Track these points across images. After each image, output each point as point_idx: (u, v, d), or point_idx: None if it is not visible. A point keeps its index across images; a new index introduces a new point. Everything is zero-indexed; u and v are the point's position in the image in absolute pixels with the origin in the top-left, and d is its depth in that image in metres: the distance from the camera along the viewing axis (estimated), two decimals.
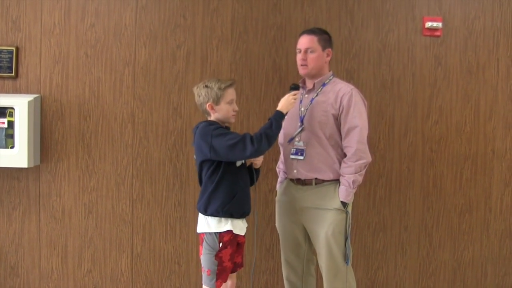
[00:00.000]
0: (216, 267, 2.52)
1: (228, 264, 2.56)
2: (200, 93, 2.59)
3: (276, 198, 2.90)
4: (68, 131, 3.25)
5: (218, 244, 2.52)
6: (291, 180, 2.78)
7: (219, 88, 2.54)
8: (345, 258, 2.65)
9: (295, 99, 2.62)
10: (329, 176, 2.66)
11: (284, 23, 3.30)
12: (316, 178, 2.68)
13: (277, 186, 2.96)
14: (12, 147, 3.07)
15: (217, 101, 2.56)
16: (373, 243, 3.40)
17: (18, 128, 3.06)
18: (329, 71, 2.79)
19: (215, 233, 2.52)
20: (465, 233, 3.43)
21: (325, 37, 2.73)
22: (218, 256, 2.52)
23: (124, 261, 3.31)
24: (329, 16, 3.31)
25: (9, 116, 3.07)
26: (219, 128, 2.52)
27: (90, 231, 3.29)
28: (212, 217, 2.54)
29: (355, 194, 2.80)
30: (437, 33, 3.34)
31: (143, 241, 3.31)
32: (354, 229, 3.36)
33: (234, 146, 2.43)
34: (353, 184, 2.60)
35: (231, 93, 2.58)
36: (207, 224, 2.55)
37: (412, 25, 3.34)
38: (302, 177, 2.71)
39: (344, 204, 2.63)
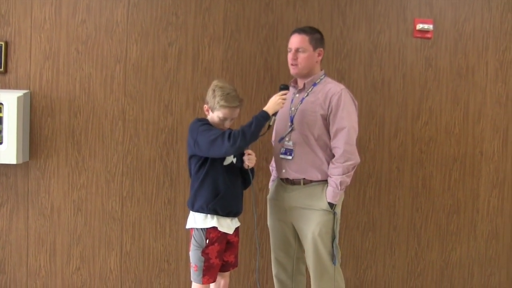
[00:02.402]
0: (203, 264, 2.54)
1: (215, 261, 2.57)
2: (208, 91, 2.61)
3: (268, 197, 2.90)
4: (58, 127, 3.22)
5: (205, 241, 2.54)
6: (281, 179, 2.78)
7: (218, 103, 2.54)
8: (332, 259, 2.65)
9: (283, 99, 2.61)
10: (317, 176, 2.66)
11: (276, 23, 3.31)
12: (304, 178, 2.68)
13: (270, 184, 2.97)
14: (0, 143, 3.04)
15: (212, 109, 2.59)
16: (362, 243, 3.42)
17: (6, 124, 3.03)
18: (321, 70, 2.78)
19: (201, 229, 2.55)
20: (453, 234, 3.47)
21: (316, 37, 2.71)
22: (204, 252, 2.54)
23: (113, 259, 3.29)
24: (321, 16, 3.32)
25: None
26: (205, 125, 2.54)
27: (79, 228, 3.26)
28: (198, 213, 2.57)
29: (345, 193, 2.81)
30: (428, 35, 3.37)
31: (132, 239, 3.29)
32: (344, 228, 3.38)
33: (213, 141, 2.45)
34: (340, 185, 2.59)
35: (225, 113, 2.55)
36: (194, 220, 2.58)
37: (403, 27, 3.36)
38: (291, 177, 2.71)
39: (331, 205, 2.62)
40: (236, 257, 2.73)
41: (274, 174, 2.93)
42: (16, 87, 3.19)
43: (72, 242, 3.26)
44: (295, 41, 2.70)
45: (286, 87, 2.68)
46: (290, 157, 2.69)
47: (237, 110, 2.60)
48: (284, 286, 2.87)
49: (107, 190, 3.26)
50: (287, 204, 2.73)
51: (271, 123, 2.60)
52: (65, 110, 3.22)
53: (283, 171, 2.74)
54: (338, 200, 2.65)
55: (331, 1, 3.32)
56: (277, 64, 3.30)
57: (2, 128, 3.04)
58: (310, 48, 2.69)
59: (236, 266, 2.76)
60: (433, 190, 3.43)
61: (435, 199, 3.44)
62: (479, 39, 3.42)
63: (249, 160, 2.63)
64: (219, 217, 2.56)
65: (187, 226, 2.63)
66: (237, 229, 2.67)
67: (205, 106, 2.62)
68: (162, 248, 3.31)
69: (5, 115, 3.03)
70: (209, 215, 2.55)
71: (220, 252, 2.59)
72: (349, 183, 2.64)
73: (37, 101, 3.20)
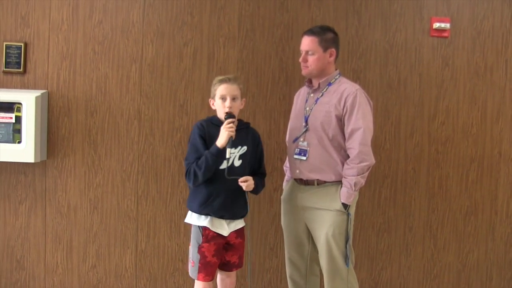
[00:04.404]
0: (198, 260, 2.55)
1: (212, 259, 2.56)
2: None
3: (282, 196, 2.90)
4: (75, 127, 3.27)
5: (201, 238, 2.55)
6: (295, 179, 2.77)
7: (214, 84, 2.61)
8: (346, 260, 2.63)
9: (230, 127, 2.49)
10: (330, 177, 2.65)
11: (291, 22, 3.30)
12: (318, 179, 2.67)
13: (284, 184, 2.96)
14: (19, 142, 3.10)
15: (213, 96, 2.62)
16: (377, 244, 3.39)
17: (25, 123, 3.08)
18: (336, 69, 2.76)
19: (199, 226, 2.56)
20: (470, 236, 3.42)
21: (327, 37, 2.67)
22: (200, 250, 2.55)
23: (128, 257, 3.32)
24: (336, 15, 3.30)
25: (16, 111, 3.09)
26: (195, 134, 2.57)
27: (95, 226, 3.30)
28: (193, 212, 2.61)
29: (360, 194, 2.79)
30: (445, 34, 3.32)
31: (147, 237, 3.32)
32: (359, 229, 3.35)
33: (185, 160, 2.60)
34: (354, 186, 2.57)
35: (222, 89, 2.57)
36: (190, 216, 2.61)
37: (419, 26, 3.32)
38: (304, 178, 2.70)
39: (345, 205, 2.60)
40: (240, 258, 2.70)
41: (288, 174, 2.92)
42: (35, 87, 3.24)
43: (88, 240, 3.30)
44: (305, 43, 2.69)
45: (230, 116, 2.54)
46: (304, 158, 2.68)
47: (234, 87, 2.57)
48: (297, 287, 2.86)
49: (123, 189, 3.30)
50: (301, 204, 2.73)
51: (227, 157, 2.50)
52: (82, 109, 3.26)
53: (297, 171, 2.73)
54: (352, 201, 2.63)
55: (346, 0, 3.30)
56: (292, 64, 3.29)
57: (20, 127, 3.09)
58: (320, 50, 2.66)
59: (241, 266, 2.73)
60: (450, 191, 3.38)
61: (452, 200, 3.39)
62: (498, 37, 3.36)
63: (246, 186, 2.56)
64: (213, 218, 2.56)
65: (185, 220, 2.66)
66: (241, 230, 2.64)
67: (210, 101, 2.66)
68: (176, 247, 3.33)
69: (24, 114, 3.08)
70: (202, 216, 2.57)
71: (218, 252, 2.58)
72: (363, 184, 2.62)
73: (54, 101, 3.25)
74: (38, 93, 3.14)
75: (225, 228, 2.58)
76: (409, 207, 3.38)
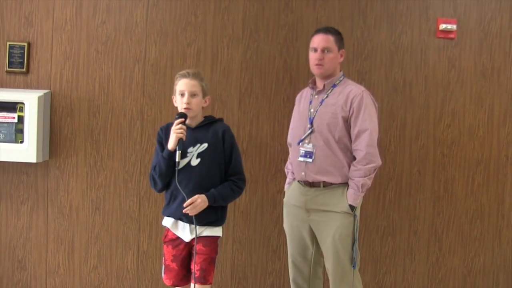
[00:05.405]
0: (163, 261, 2.56)
1: (171, 265, 2.52)
2: None
3: (284, 199, 2.87)
4: (77, 127, 3.26)
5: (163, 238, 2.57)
6: (299, 181, 2.75)
7: (175, 79, 2.54)
8: (352, 262, 2.61)
9: (179, 128, 2.43)
10: (337, 179, 2.63)
11: (295, 23, 3.27)
12: (324, 181, 2.64)
13: (285, 187, 2.93)
14: (21, 142, 3.09)
15: (174, 93, 2.56)
16: (381, 247, 3.36)
17: (27, 123, 3.07)
18: (340, 71, 2.76)
19: (165, 227, 2.57)
20: (476, 240, 3.37)
21: (339, 37, 2.71)
22: (164, 250, 2.56)
23: (130, 258, 3.30)
24: (341, 16, 3.27)
25: (19, 111, 3.09)
26: (157, 144, 2.57)
27: (97, 227, 3.29)
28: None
29: (364, 197, 2.77)
30: (451, 36, 3.28)
31: (149, 238, 3.30)
32: (363, 232, 3.31)
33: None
34: (362, 188, 2.57)
35: (181, 84, 2.49)
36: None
37: (425, 27, 3.28)
38: (310, 180, 2.68)
39: (352, 207, 2.59)
40: (203, 271, 2.45)
41: (290, 176, 2.89)
42: (37, 87, 3.24)
43: (90, 241, 3.29)
44: (321, 40, 2.66)
45: (181, 116, 2.48)
46: (310, 160, 2.66)
47: (193, 83, 2.47)
48: None
49: (125, 190, 3.28)
50: (306, 206, 2.70)
51: (177, 160, 2.42)
52: (85, 110, 3.25)
53: (303, 173, 2.70)
54: (358, 203, 2.63)
55: (351, 1, 3.27)
56: (297, 65, 3.26)
57: (23, 127, 3.09)
58: (336, 49, 2.68)
59: (205, 283, 2.47)
60: (456, 194, 3.34)
61: (458, 204, 3.34)
62: (506, 38, 3.32)
63: (191, 211, 2.42)
64: (177, 220, 2.51)
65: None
66: (207, 239, 2.47)
67: (173, 98, 2.59)
68: None
69: (26, 114, 3.08)
70: (168, 217, 2.55)
71: (179, 259, 2.51)
72: (370, 185, 2.62)
73: (57, 101, 3.25)
74: (40, 93, 3.13)
75: (186, 232, 2.48)
76: (413, 210, 3.34)
